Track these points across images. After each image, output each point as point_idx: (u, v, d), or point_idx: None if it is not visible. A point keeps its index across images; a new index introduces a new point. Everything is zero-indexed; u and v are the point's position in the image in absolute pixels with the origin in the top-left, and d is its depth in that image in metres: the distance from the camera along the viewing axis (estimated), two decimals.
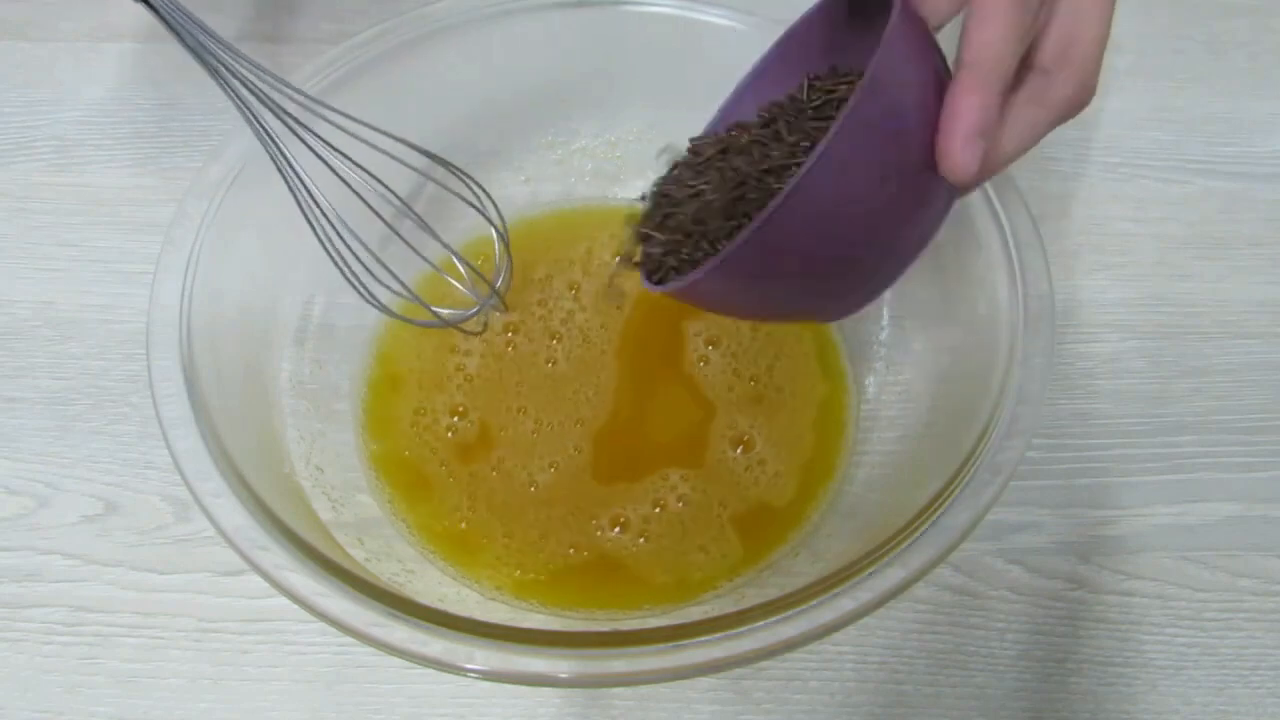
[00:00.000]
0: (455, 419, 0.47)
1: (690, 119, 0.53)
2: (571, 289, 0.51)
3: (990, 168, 0.33)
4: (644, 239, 0.38)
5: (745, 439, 0.46)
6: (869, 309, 0.48)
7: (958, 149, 0.31)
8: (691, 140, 0.39)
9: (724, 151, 0.37)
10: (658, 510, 0.44)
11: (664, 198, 0.38)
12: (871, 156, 0.31)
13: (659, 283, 0.37)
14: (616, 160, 0.54)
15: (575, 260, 0.52)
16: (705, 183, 0.36)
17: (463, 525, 0.44)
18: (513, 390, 0.47)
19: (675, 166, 0.39)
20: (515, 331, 0.49)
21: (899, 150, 0.31)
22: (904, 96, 0.31)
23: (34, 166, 0.57)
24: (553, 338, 0.49)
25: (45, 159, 0.57)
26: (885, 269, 0.35)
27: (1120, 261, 0.53)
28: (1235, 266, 0.53)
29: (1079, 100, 0.33)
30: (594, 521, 0.44)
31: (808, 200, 0.30)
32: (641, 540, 0.43)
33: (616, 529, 0.44)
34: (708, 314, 0.48)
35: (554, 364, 0.48)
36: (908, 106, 0.31)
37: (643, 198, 0.39)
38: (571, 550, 0.43)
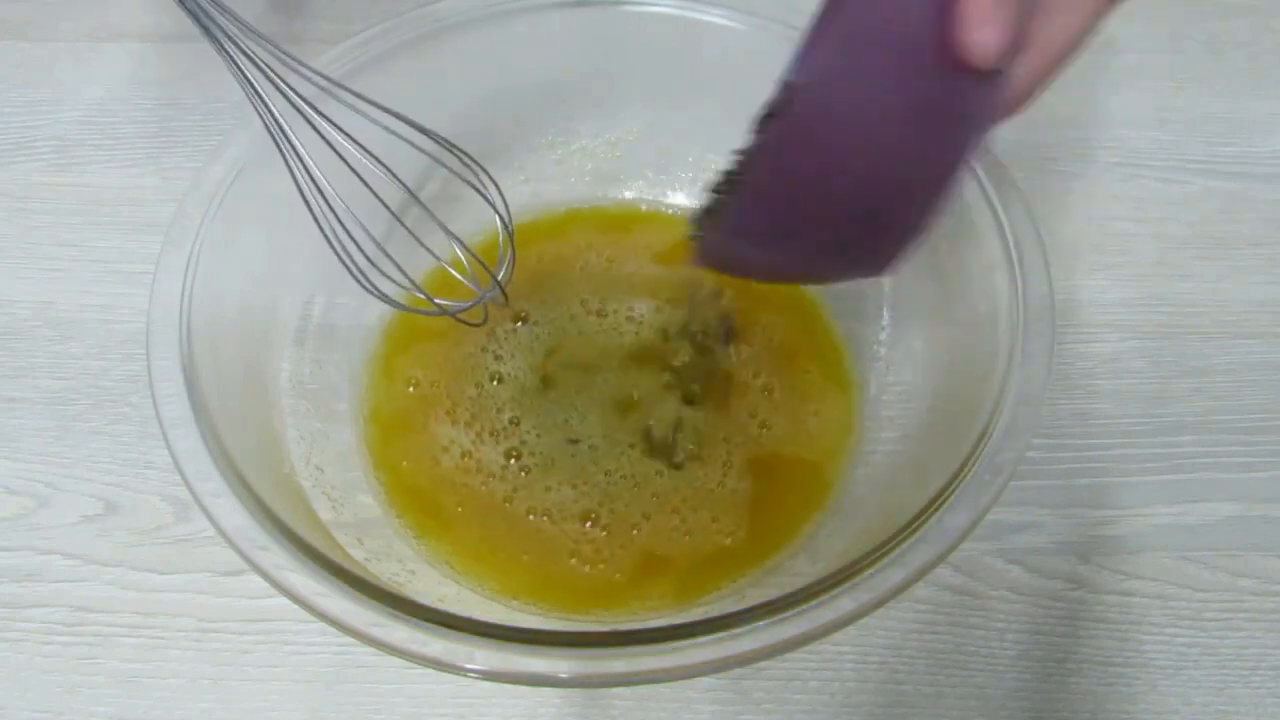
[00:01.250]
0: (589, 525, 0.44)
1: (690, 119, 0.53)
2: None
3: (1044, 65, 0.29)
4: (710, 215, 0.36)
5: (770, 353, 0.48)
6: (872, 310, 0.48)
7: (974, 23, 0.26)
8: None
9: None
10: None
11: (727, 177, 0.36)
12: (870, 60, 0.27)
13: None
14: (616, 160, 0.54)
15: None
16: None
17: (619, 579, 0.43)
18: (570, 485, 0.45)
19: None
20: (513, 455, 0.46)
21: (903, 49, 0.27)
22: None
23: (34, 166, 0.57)
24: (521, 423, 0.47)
25: (45, 159, 0.57)
26: (916, 204, 0.31)
27: (1120, 261, 0.53)
28: (1235, 266, 0.53)
29: None
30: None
31: (803, 121, 0.27)
32: (763, 429, 0.46)
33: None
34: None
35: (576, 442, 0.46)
36: None
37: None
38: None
